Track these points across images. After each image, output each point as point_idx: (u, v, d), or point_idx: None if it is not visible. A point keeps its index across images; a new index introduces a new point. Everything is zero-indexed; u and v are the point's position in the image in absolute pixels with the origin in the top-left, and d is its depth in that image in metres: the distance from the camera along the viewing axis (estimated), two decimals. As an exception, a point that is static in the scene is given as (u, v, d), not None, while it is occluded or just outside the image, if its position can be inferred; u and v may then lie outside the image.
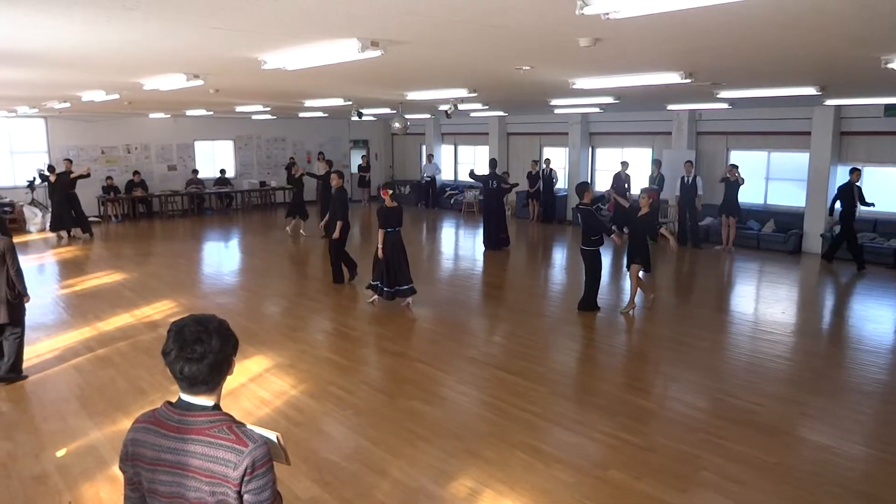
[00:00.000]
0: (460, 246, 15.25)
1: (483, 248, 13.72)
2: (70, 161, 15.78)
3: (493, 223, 13.65)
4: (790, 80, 8.13)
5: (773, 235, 13.61)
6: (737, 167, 13.17)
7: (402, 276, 9.03)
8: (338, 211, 10.37)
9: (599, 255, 8.80)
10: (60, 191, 14.84)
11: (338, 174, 10.77)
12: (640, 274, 8.87)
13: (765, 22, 4.29)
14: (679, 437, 5.28)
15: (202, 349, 1.91)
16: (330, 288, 10.37)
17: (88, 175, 15.65)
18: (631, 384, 6.51)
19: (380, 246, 8.95)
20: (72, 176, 14.97)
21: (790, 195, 14.06)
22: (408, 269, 9.13)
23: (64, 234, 15.07)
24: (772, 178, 14.43)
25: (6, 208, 15.78)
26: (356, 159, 23.07)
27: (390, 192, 9.11)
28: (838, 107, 12.56)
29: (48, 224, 15.84)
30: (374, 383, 6.49)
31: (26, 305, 6.46)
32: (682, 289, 11.23)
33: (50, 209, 15.76)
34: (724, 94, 9.82)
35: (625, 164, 15.34)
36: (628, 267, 8.91)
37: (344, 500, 4.37)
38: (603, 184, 17.69)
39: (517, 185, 14.83)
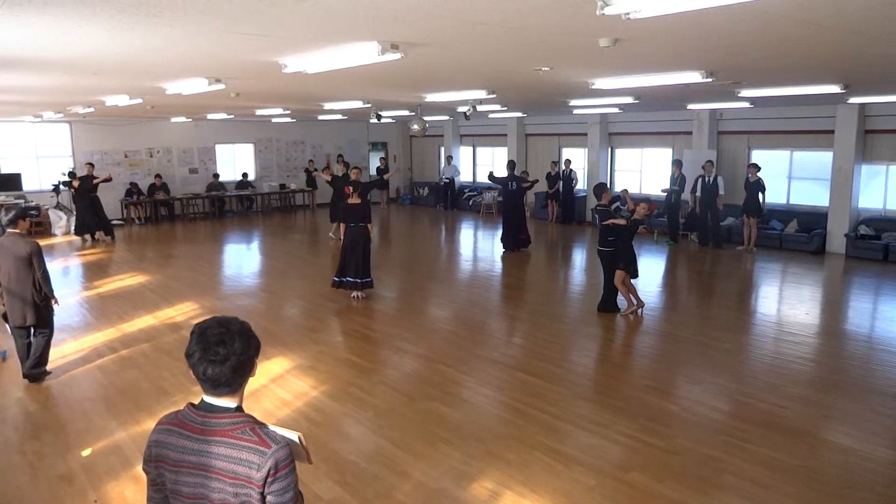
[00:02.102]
0: (479, 247, 15.25)
1: (502, 250, 13.70)
2: (92, 165, 16.01)
3: (513, 224, 13.62)
4: (813, 79, 8.03)
5: (796, 236, 13.44)
6: (758, 167, 13.05)
7: (358, 269, 9.53)
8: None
9: (617, 256, 8.74)
10: (83, 195, 15.09)
11: (357, 170, 10.98)
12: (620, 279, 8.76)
13: (786, 20, 4.25)
14: (701, 440, 5.23)
15: (225, 351, 1.93)
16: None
17: (110, 180, 15.89)
18: (652, 386, 6.46)
19: (332, 234, 9.49)
20: (94, 181, 15.20)
21: (813, 195, 13.87)
22: (368, 264, 9.65)
23: (88, 237, 15.32)
24: (794, 178, 14.26)
25: (32, 212, 16.04)
26: (375, 161, 23.16)
27: (351, 188, 9.66)
28: (862, 104, 12.37)
29: (73, 227, 16.15)
30: (395, 385, 6.51)
31: (54, 308, 6.56)
32: (703, 290, 11.13)
33: (74, 213, 16.06)
34: (745, 92, 9.73)
35: (708, 166, 13.91)
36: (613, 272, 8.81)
37: (365, 500, 4.38)
38: (622, 184, 17.65)
39: (537, 181, 14.84)
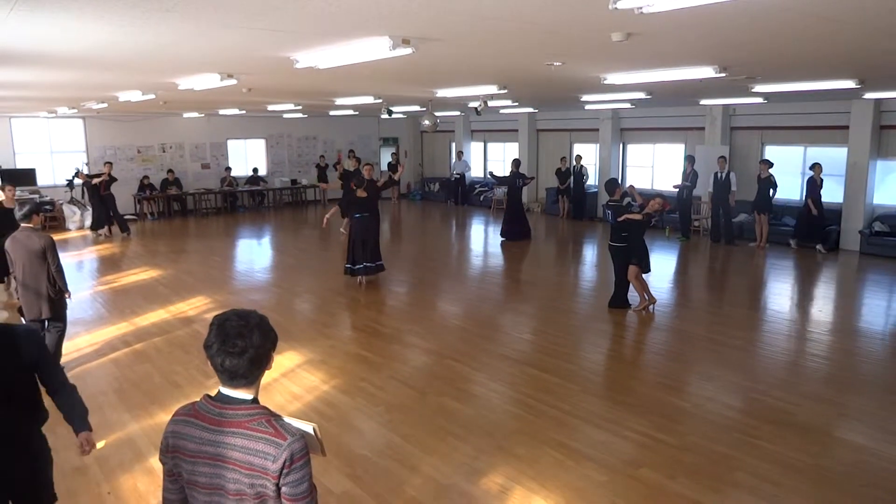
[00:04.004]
0: (490, 243, 15.23)
1: (502, 239, 14.54)
2: (84, 173, 16.04)
3: (516, 217, 14.62)
4: (828, 74, 7.94)
5: (810, 232, 13.32)
6: (770, 164, 12.96)
7: (367, 257, 10.13)
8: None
9: (629, 251, 8.71)
10: (93, 193, 15.36)
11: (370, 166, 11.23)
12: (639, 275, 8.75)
13: (801, 14, 4.20)
14: (713, 437, 5.21)
15: (243, 343, 1.95)
16: (361, 284, 10.45)
17: (106, 174, 15.31)
18: (663, 382, 6.44)
19: (343, 230, 10.54)
20: (94, 182, 15.20)
21: (827, 191, 13.70)
22: (377, 249, 10.28)
23: (102, 231, 15.49)
24: (808, 174, 14.09)
25: (46, 206, 16.18)
26: (386, 157, 23.17)
27: (356, 184, 10.27)
28: (878, 100, 12.24)
29: (86, 222, 16.37)
30: (405, 380, 6.52)
31: (67, 302, 6.62)
32: (715, 286, 11.07)
33: (88, 208, 16.30)
34: (759, 88, 9.65)
35: (817, 167, 12.79)
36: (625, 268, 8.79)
37: (375, 494, 4.40)
38: (633, 180, 17.56)
39: (533, 178, 16.30)
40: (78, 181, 15.87)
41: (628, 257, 8.66)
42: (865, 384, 6.42)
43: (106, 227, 15.52)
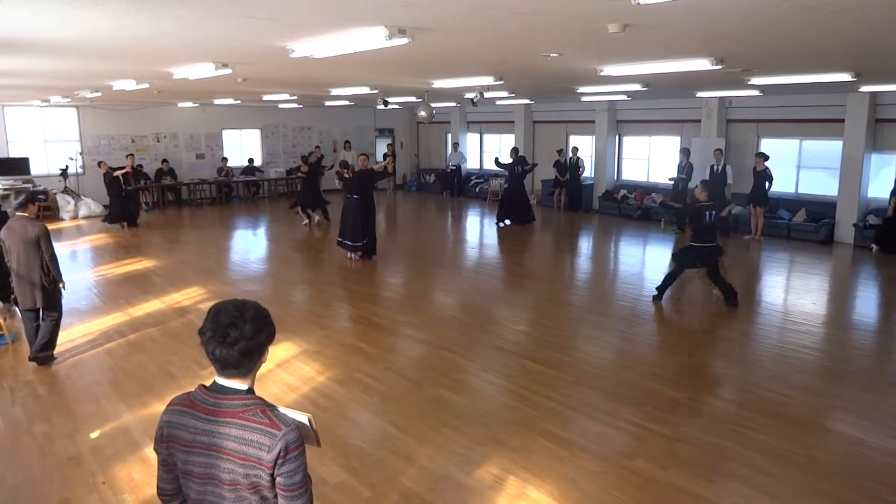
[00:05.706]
0: (485, 234, 15.23)
1: (497, 224, 15.26)
2: (106, 163, 15.83)
3: (517, 202, 15.27)
4: (824, 67, 7.95)
5: (805, 225, 13.37)
6: (765, 157, 12.96)
7: (357, 233, 10.94)
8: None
9: (718, 249, 8.61)
10: (110, 186, 15.05)
11: (364, 156, 11.80)
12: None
13: (798, 7, 4.20)
14: (707, 428, 5.23)
15: (235, 334, 1.94)
16: (357, 276, 10.45)
17: (129, 167, 15.26)
18: (658, 374, 6.46)
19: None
20: (115, 174, 14.89)
21: (822, 184, 13.77)
22: (361, 231, 10.95)
23: (116, 225, 15.18)
24: (803, 167, 14.15)
25: (40, 196, 16.08)
26: (382, 148, 23.11)
27: (345, 169, 11.65)
28: (874, 93, 12.26)
29: (80, 212, 16.26)
30: (401, 371, 6.53)
31: (62, 292, 6.60)
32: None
33: (81, 198, 16.23)
34: (755, 80, 9.65)
35: None
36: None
37: (371, 485, 4.41)
38: (629, 172, 17.60)
39: (536, 164, 16.97)
40: (99, 170, 15.53)
41: (719, 254, 8.56)
42: (858, 376, 6.45)
43: (120, 222, 15.15)
